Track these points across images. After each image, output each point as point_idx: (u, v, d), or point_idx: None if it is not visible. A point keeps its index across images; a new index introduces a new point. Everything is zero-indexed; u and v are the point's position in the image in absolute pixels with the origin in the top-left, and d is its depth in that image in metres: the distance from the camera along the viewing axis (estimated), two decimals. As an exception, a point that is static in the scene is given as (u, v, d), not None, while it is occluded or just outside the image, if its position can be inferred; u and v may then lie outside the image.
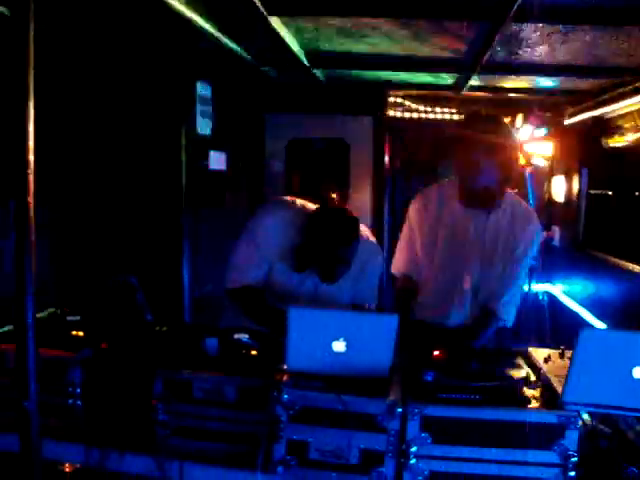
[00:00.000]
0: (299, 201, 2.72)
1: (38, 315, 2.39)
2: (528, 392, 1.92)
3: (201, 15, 2.98)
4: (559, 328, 4.89)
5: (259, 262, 2.63)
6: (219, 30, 3.24)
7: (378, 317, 1.99)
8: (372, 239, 2.83)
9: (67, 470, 2.68)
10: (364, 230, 2.74)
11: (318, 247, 2.49)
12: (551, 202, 5.68)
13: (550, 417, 1.78)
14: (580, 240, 5.06)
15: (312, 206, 2.66)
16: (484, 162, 2.65)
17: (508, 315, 2.83)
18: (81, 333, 2.23)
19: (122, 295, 2.33)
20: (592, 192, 4.85)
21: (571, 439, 1.77)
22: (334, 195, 3.57)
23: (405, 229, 2.98)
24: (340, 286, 2.64)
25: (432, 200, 2.90)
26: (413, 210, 2.94)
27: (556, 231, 5.57)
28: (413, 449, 1.78)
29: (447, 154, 3.12)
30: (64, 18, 2.96)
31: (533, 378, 2.03)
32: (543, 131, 5.28)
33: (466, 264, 2.80)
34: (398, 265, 3.00)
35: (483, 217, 2.79)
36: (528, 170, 5.38)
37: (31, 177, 1.53)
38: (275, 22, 3.03)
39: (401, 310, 2.82)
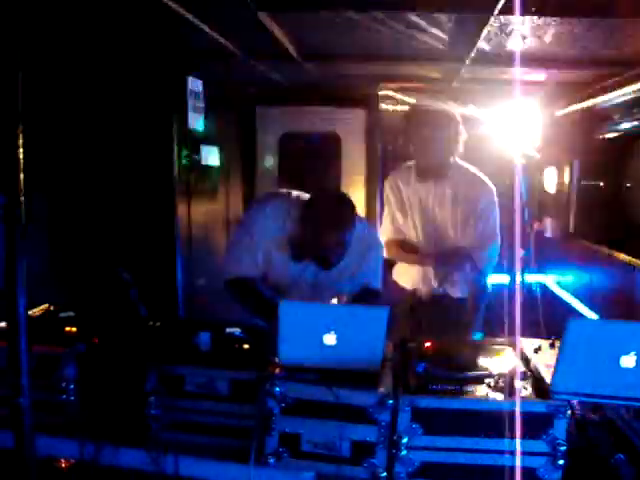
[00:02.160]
0: (294, 192, 2.74)
1: (32, 311, 2.41)
2: (518, 382, 1.94)
3: (190, 10, 2.98)
4: (552, 319, 4.91)
5: (255, 254, 2.64)
6: (209, 25, 3.24)
7: (368, 310, 2.01)
8: (370, 227, 2.90)
9: (63, 466, 2.70)
10: (360, 216, 2.75)
11: (312, 234, 2.50)
12: (543, 193, 5.70)
13: (539, 406, 1.81)
14: (572, 231, 5.08)
15: (307, 196, 2.67)
16: (430, 137, 3.16)
17: (480, 262, 3.17)
18: (74, 329, 2.24)
19: (116, 290, 2.34)
20: (583, 183, 4.87)
21: (560, 428, 1.80)
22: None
23: (385, 202, 3.49)
24: (341, 274, 2.66)
25: (399, 180, 3.40)
26: (387, 188, 3.46)
27: (548, 222, 5.59)
28: (404, 440, 1.81)
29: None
30: (53, 13, 2.95)
31: (523, 368, 2.05)
32: (536, 124, 5.29)
33: (435, 232, 3.25)
34: (386, 232, 3.43)
35: (436, 187, 3.23)
36: (519, 162, 5.39)
37: (21, 174, 1.54)
38: (264, 17, 3.02)
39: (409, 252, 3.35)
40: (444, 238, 3.25)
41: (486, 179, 3.30)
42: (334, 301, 2.98)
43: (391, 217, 3.43)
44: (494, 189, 3.27)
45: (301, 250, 2.57)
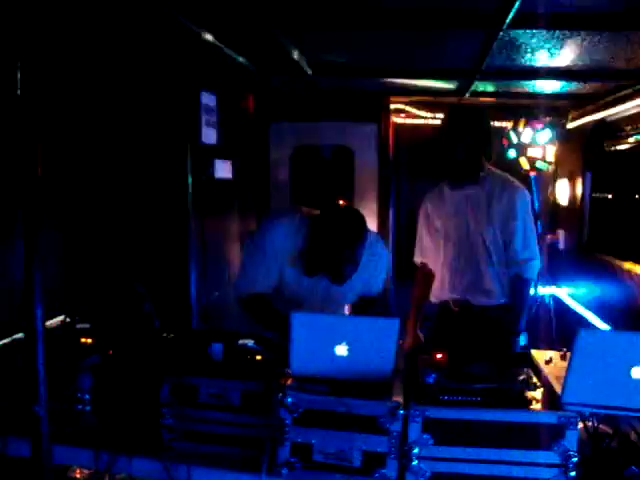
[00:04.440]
0: (306, 209, 2.77)
1: (48, 323, 2.45)
2: (529, 394, 1.94)
3: (205, 26, 3.03)
4: (565, 331, 4.89)
5: (267, 270, 2.67)
6: (222, 41, 3.29)
7: (380, 321, 2.02)
8: (375, 234, 2.90)
9: (78, 476, 2.73)
10: (370, 230, 2.76)
11: (325, 249, 2.52)
12: (555, 205, 5.69)
13: (550, 418, 1.80)
14: (585, 243, 5.06)
15: (316, 212, 2.70)
16: (463, 126, 3.05)
17: (530, 271, 3.07)
18: (90, 340, 2.27)
19: (130, 303, 2.37)
20: (596, 195, 4.86)
21: (571, 439, 1.79)
22: (341, 202, 3.62)
23: (417, 225, 3.39)
24: (351, 285, 2.68)
25: (432, 195, 3.31)
26: (422, 208, 3.36)
27: (561, 234, 5.58)
28: (415, 451, 1.81)
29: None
30: (70, 29, 3.02)
31: (534, 380, 2.05)
32: (548, 136, 5.29)
33: (469, 239, 3.11)
34: (415, 256, 3.41)
35: (470, 191, 3.11)
36: (532, 174, 5.39)
37: (39, 187, 1.58)
38: (278, 33, 3.08)
39: (418, 296, 3.37)
40: (475, 247, 3.09)
41: (517, 182, 3.22)
42: (345, 312, 3.01)
43: (419, 239, 3.38)
44: (527, 192, 3.19)
45: (314, 265, 2.59)
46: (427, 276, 3.33)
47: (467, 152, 3.06)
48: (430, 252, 3.31)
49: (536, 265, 3.10)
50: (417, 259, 3.41)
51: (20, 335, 2.15)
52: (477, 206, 3.10)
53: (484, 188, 3.10)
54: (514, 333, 3.04)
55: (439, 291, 3.24)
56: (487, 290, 3.09)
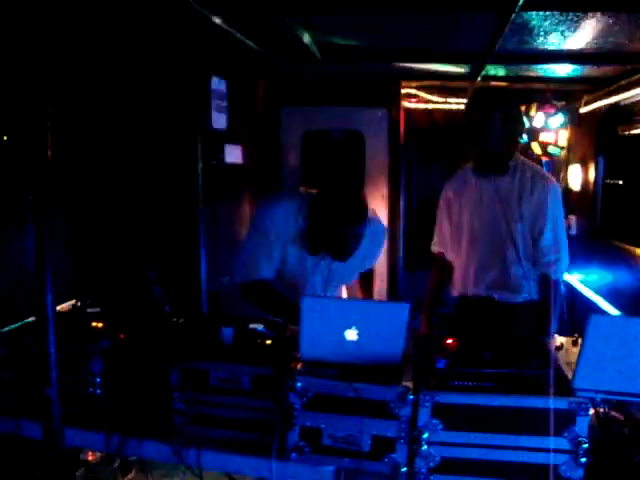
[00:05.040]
0: (303, 188, 2.76)
1: (60, 307, 2.47)
2: (539, 379, 1.94)
3: (214, 11, 3.02)
4: (576, 317, 4.87)
5: (269, 253, 2.65)
6: (232, 26, 3.28)
7: (390, 306, 2.02)
8: (379, 218, 2.87)
9: (90, 459, 2.76)
10: (371, 210, 2.75)
11: (325, 226, 2.52)
12: (568, 191, 5.65)
13: (561, 403, 1.79)
14: (597, 228, 5.03)
15: (314, 191, 2.68)
16: (492, 111, 2.80)
17: (559, 272, 2.92)
18: (101, 324, 2.28)
19: (141, 288, 2.38)
20: (608, 180, 4.82)
21: (582, 425, 1.78)
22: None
23: (437, 212, 3.20)
24: (350, 264, 2.68)
25: (454, 182, 3.11)
26: (442, 195, 3.15)
27: (573, 220, 5.54)
28: (425, 435, 1.81)
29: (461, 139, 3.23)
30: (80, 15, 3.01)
31: (545, 365, 2.04)
32: (560, 120, 5.24)
33: (495, 233, 2.91)
34: (433, 245, 3.25)
35: (499, 182, 2.90)
36: (544, 159, 5.35)
37: (49, 173, 1.58)
38: (287, 17, 3.05)
39: (433, 287, 3.23)
40: (502, 241, 2.91)
41: (549, 175, 3.05)
42: (344, 291, 3.03)
43: (439, 228, 3.20)
44: (559, 187, 3.00)
45: (317, 243, 2.59)
46: (445, 267, 3.19)
47: (496, 139, 2.84)
48: (450, 242, 3.14)
49: (564, 265, 2.95)
50: (434, 248, 3.25)
51: (32, 319, 2.18)
52: (506, 199, 2.89)
53: (514, 179, 2.89)
54: (544, 333, 2.79)
55: (461, 285, 3.08)
56: (513, 287, 2.93)
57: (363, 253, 2.68)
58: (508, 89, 3.09)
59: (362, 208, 2.54)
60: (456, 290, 3.12)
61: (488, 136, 2.84)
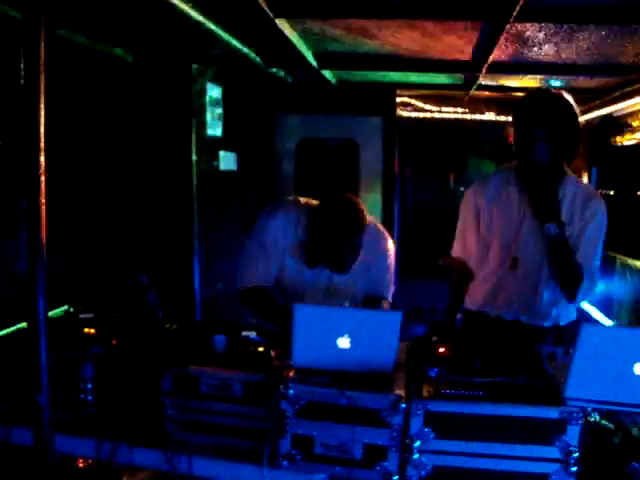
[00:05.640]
0: (303, 199, 2.76)
1: (52, 313, 2.46)
2: (531, 388, 1.94)
3: (210, 18, 3.03)
4: (569, 326, 4.88)
5: (267, 263, 2.66)
6: (228, 33, 3.29)
7: (382, 314, 2.03)
8: (379, 226, 2.82)
9: (80, 465, 2.74)
10: (371, 218, 2.74)
11: (324, 240, 2.51)
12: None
13: (552, 412, 1.79)
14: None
15: (315, 202, 2.69)
16: (545, 120, 2.44)
17: (580, 301, 2.72)
18: (93, 330, 2.28)
19: (134, 294, 2.38)
20: (600, 191, 4.84)
21: (573, 435, 1.78)
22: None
23: (460, 215, 2.88)
24: (354, 277, 2.66)
25: (487, 188, 2.76)
26: (467, 196, 2.83)
27: (566, 230, 5.55)
28: (416, 444, 1.81)
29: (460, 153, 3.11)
30: (73, 22, 3.02)
31: (537, 374, 2.04)
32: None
33: (533, 256, 2.63)
34: (454, 250, 2.93)
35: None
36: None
37: (42, 178, 1.58)
38: (282, 24, 3.07)
39: (455, 294, 2.93)
40: (538, 265, 2.64)
41: (599, 196, 2.70)
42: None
43: (462, 235, 2.88)
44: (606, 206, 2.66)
45: (314, 256, 2.59)
46: (467, 276, 2.88)
47: (549, 152, 2.48)
48: (475, 253, 2.83)
49: (592, 293, 2.65)
50: (456, 254, 2.91)
51: (23, 325, 2.17)
52: (563, 217, 2.53)
53: (564, 197, 2.56)
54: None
55: (483, 302, 2.81)
56: (542, 313, 2.69)
57: (365, 264, 2.66)
58: (561, 94, 2.55)
59: (361, 220, 2.54)
60: (475, 304, 2.86)
61: (540, 148, 2.48)
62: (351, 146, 5.51)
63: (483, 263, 2.79)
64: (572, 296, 2.61)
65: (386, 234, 2.83)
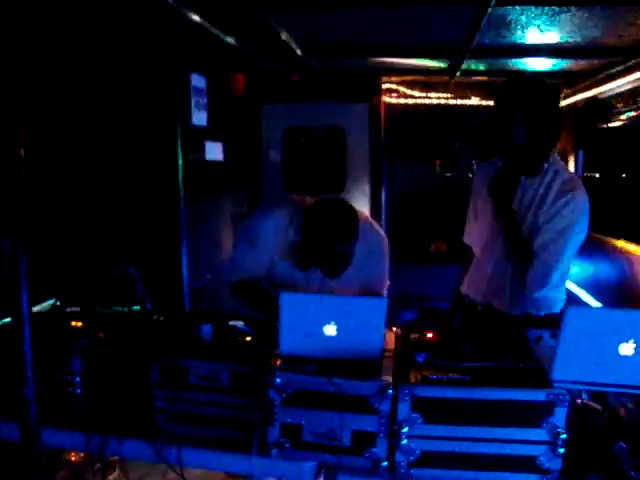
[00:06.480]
0: (297, 197, 2.70)
1: (38, 307, 2.45)
2: (518, 371, 1.95)
3: (191, 7, 3.00)
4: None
5: (256, 261, 2.63)
6: (209, 22, 3.26)
7: (367, 300, 2.02)
8: (375, 225, 2.79)
9: (72, 459, 2.74)
10: (366, 217, 2.71)
11: (316, 245, 2.48)
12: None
13: (539, 395, 1.80)
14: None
15: (309, 200, 2.63)
16: (516, 107, 2.41)
17: (532, 292, 2.56)
18: (80, 324, 2.27)
19: (121, 286, 2.37)
20: (586, 174, 4.86)
21: (560, 416, 1.79)
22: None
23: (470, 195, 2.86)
24: (347, 276, 2.62)
25: (486, 170, 2.73)
26: (474, 178, 2.84)
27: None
28: (404, 430, 1.81)
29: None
30: (57, 12, 2.98)
31: (524, 358, 2.05)
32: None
33: (498, 240, 2.61)
34: (464, 234, 2.91)
35: (526, 185, 2.55)
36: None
37: (22, 172, 1.57)
38: (265, 12, 3.05)
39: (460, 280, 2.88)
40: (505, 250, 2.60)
41: (582, 185, 2.58)
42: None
43: (468, 216, 2.86)
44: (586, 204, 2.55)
45: (306, 259, 2.57)
46: (469, 262, 2.85)
47: (528, 136, 2.44)
48: (474, 237, 2.82)
49: (540, 285, 2.55)
50: (464, 238, 2.89)
51: (8, 320, 2.15)
52: (528, 206, 2.54)
53: (540, 185, 2.53)
54: None
55: (475, 290, 2.78)
56: (513, 301, 2.61)
57: (360, 263, 2.61)
58: (540, 79, 2.52)
59: (353, 227, 2.48)
60: (470, 292, 2.82)
61: (518, 132, 2.44)
62: (337, 133, 5.50)
63: (483, 252, 2.74)
64: (522, 284, 2.54)
65: (381, 232, 2.79)
